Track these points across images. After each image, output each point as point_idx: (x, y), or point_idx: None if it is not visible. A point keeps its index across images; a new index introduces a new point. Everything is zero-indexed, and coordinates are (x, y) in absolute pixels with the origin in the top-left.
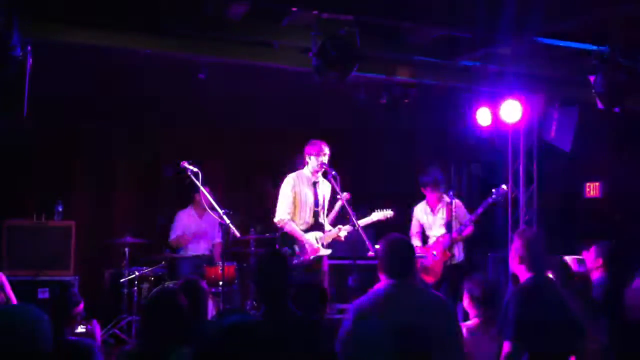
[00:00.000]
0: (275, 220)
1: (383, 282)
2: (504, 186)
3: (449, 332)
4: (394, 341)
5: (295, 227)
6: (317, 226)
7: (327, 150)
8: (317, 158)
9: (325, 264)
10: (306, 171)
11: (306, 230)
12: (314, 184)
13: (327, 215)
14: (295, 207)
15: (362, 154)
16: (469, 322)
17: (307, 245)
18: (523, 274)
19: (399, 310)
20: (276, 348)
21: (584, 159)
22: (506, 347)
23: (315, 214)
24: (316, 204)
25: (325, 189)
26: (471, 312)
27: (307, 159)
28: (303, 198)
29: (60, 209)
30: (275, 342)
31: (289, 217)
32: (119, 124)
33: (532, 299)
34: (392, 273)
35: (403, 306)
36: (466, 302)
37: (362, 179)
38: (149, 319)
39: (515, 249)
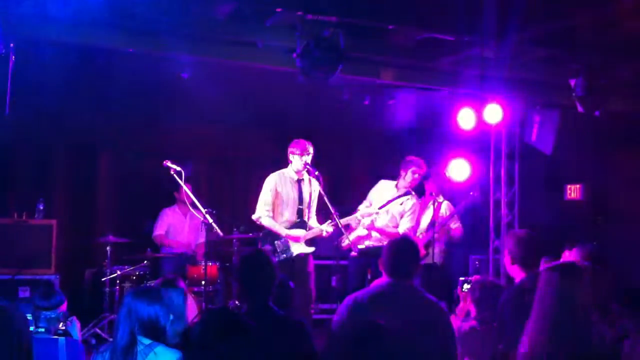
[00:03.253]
0: (253, 217)
1: (383, 279)
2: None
3: (440, 336)
4: (382, 337)
5: (273, 223)
6: (300, 224)
7: (310, 149)
8: (300, 157)
9: (311, 264)
10: (289, 170)
11: (289, 228)
12: (298, 181)
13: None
14: (276, 205)
15: (345, 155)
16: (465, 323)
17: (288, 239)
18: (517, 274)
19: (392, 309)
20: (258, 345)
21: (565, 162)
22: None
23: (299, 212)
24: (300, 201)
25: (313, 186)
26: (472, 312)
27: (290, 158)
28: (284, 196)
29: (42, 207)
30: (256, 339)
31: (267, 214)
32: (101, 123)
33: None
34: (392, 272)
35: (396, 305)
36: (467, 303)
37: (345, 180)
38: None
39: (508, 249)
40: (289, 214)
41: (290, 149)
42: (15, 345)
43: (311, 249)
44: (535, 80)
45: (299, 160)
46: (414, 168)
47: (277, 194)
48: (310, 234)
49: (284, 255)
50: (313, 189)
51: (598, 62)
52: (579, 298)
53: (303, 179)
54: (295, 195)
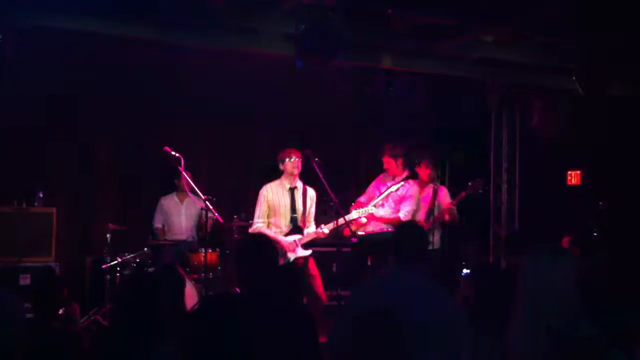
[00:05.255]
0: (250, 230)
1: (390, 265)
2: (480, 180)
3: (447, 323)
4: (387, 323)
5: (268, 232)
6: (296, 230)
7: (296, 154)
8: (289, 160)
9: (313, 267)
10: (283, 179)
11: (285, 236)
12: (291, 190)
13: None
14: (269, 215)
15: (343, 140)
16: (464, 308)
17: (283, 244)
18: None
19: (399, 295)
20: (257, 332)
21: (565, 147)
22: None
23: (293, 220)
24: (293, 210)
25: (309, 194)
26: (471, 297)
27: (280, 166)
28: (277, 206)
29: (41, 195)
30: (256, 326)
31: (263, 225)
32: (100, 109)
33: None
34: (399, 259)
35: (403, 291)
36: (467, 288)
37: (347, 170)
38: (123, 304)
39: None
40: (283, 223)
41: (278, 158)
42: (6, 331)
43: (307, 253)
44: (536, 64)
45: (289, 164)
46: (392, 153)
47: (269, 204)
48: (305, 238)
49: (283, 261)
50: (309, 196)
51: (599, 45)
52: (561, 281)
53: (297, 187)
54: (287, 203)
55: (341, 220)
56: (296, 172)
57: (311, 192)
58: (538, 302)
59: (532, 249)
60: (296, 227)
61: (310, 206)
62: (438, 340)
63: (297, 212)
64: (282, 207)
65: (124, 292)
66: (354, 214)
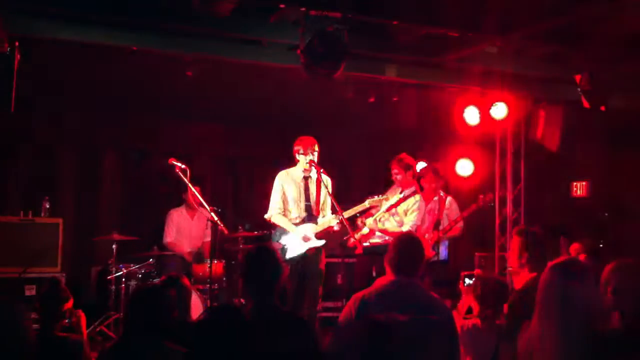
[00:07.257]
0: (265, 217)
1: (387, 276)
2: (490, 194)
3: (444, 335)
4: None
5: (283, 220)
6: (310, 220)
7: (315, 146)
8: (304, 156)
9: (323, 261)
10: (296, 168)
11: (299, 224)
12: (305, 179)
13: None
14: (285, 203)
15: (348, 152)
16: (468, 320)
17: (296, 236)
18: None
19: (396, 307)
20: (261, 342)
21: (571, 158)
22: None
23: (308, 208)
24: (307, 198)
25: (324, 182)
26: (474, 309)
27: (296, 156)
28: (292, 194)
29: (48, 206)
30: (259, 337)
31: (278, 212)
32: (107, 121)
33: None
34: (396, 270)
35: (401, 303)
36: (469, 299)
37: (347, 177)
38: (130, 315)
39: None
40: (297, 212)
41: (295, 148)
42: (9, 340)
43: (322, 242)
44: (540, 76)
45: (303, 158)
46: (403, 164)
47: (284, 192)
48: (319, 228)
49: (296, 252)
50: (324, 184)
51: (603, 57)
52: (581, 297)
53: (310, 177)
54: (302, 192)
55: (351, 211)
56: (310, 166)
57: (326, 180)
58: (571, 314)
59: (557, 265)
60: (310, 216)
61: (326, 195)
62: (434, 350)
63: (311, 200)
64: (296, 195)
65: (132, 303)
66: (366, 203)
